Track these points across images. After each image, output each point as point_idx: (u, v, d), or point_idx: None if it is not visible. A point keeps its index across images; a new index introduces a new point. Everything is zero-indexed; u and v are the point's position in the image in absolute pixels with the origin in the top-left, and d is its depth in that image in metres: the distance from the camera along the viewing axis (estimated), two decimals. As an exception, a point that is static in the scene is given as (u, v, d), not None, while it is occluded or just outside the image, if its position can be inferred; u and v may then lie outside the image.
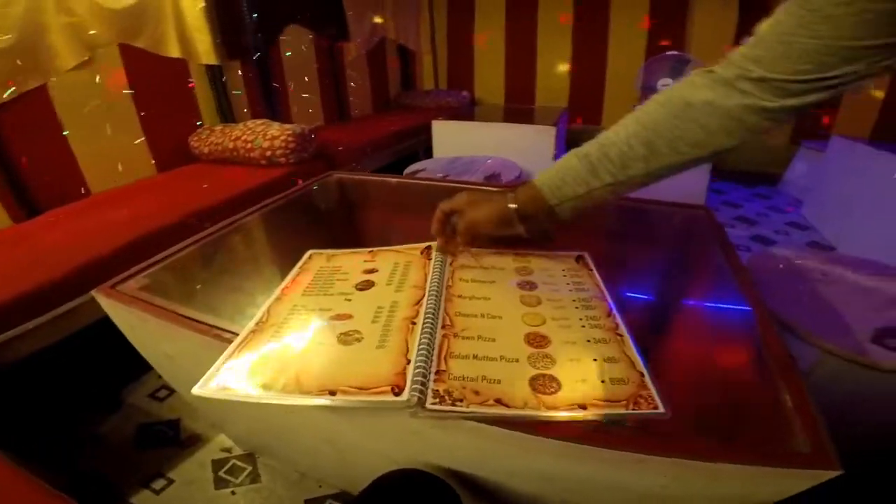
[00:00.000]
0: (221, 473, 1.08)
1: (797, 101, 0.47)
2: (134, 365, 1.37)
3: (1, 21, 1.47)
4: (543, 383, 0.48)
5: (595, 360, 0.51)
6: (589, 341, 0.55)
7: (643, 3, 3.31)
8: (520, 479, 0.52)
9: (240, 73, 2.33)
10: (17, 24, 1.51)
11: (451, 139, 2.44)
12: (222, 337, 0.60)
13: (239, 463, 1.11)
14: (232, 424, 1.04)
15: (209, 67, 2.17)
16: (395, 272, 0.71)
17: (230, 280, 0.85)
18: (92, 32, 1.71)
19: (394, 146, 2.79)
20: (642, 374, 0.49)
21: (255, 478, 1.07)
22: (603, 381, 0.48)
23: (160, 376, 1.37)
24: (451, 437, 0.49)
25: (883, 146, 2.25)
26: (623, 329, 0.57)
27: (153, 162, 1.99)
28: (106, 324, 1.17)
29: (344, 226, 1.15)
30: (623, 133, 0.56)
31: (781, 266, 1.26)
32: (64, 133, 1.69)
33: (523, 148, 2.26)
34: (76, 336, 1.18)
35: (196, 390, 0.49)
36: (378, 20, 3.40)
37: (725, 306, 0.72)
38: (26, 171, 1.61)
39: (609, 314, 0.60)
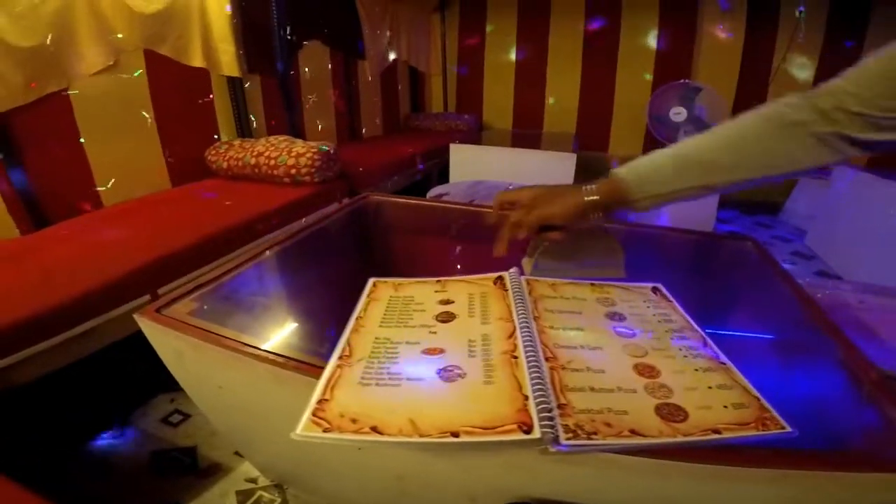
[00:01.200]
0: (247, 505, 1.02)
1: (885, 137, 0.50)
2: (143, 388, 1.33)
3: (29, 21, 1.44)
4: (670, 412, 0.47)
5: (710, 387, 0.51)
6: (697, 370, 0.54)
7: (652, 33, 3.41)
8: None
9: (259, 87, 2.31)
10: (45, 25, 1.47)
11: (469, 163, 2.44)
12: (300, 370, 0.56)
13: (266, 494, 1.05)
14: (262, 452, 0.98)
15: (230, 80, 2.15)
16: (474, 303, 0.68)
17: (281, 306, 0.81)
18: (119, 36, 1.68)
19: (410, 168, 2.79)
20: (758, 398, 0.49)
21: (284, 511, 1.01)
22: (726, 407, 0.48)
23: (173, 399, 1.33)
24: (569, 469, 0.48)
25: (885, 175, 2.32)
26: (723, 357, 0.57)
27: (168, 175, 1.94)
28: (114, 347, 1.13)
29: (385, 250, 1.12)
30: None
31: (819, 296, 1.26)
32: (80, 140, 1.64)
33: (542, 174, 2.26)
34: (83, 360, 1.12)
35: (298, 435, 0.44)
36: (391, 40, 3.44)
37: (800, 334, 0.73)
38: (39, 177, 1.55)
39: (705, 343, 0.60)
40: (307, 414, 0.47)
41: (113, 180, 1.74)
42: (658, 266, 1.03)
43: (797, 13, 2.99)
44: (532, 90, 3.85)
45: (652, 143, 3.30)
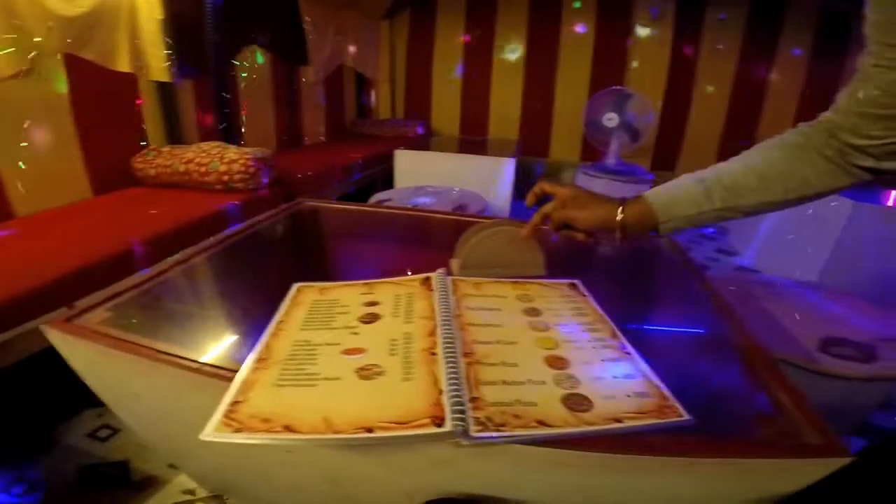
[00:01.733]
0: (185, 518, 0.99)
1: (886, 165, 0.53)
2: (68, 402, 1.24)
3: None
4: (576, 402, 0.49)
5: (615, 377, 0.54)
6: (603, 361, 0.57)
7: (588, 44, 3.58)
8: (554, 495, 0.52)
9: (192, 93, 2.23)
10: None
11: (413, 169, 2.46)
12: (208, 373, 0.55)
13: (205, 506, 1.01)
14: (196, 463, 0.94)
15: (160, 85, 2.05)
16: (399, 304, 0.69)
17: (203, 314, 0.78)
18: (37, 40, 1.57)
19: (353, 175, 2.76)
20: (658, 387, 0.52)
21: (224, 521, 0.98)
22: (629, 396, 0.50)
23: (100, 414, 1.25)
24: (487, 462, 0.49)
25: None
26: (630, 348, 0.60)
27: (89, 184, 1.82)
28: (34, 358, 1.05)
29: (319, 258, 1.10)
30: (739, 165, 0.61)
31: (732, 288, 1.38)
32: (-10, 146, 1.51)
33: (484, 178, 2.32)
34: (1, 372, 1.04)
35: (208, 436, 0.44)
36: (337, 46, 3.41)
37: (703, 324, 0.78)
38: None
39: (614, 335, 0.63)
40: (217, 415, 0.46)
41: (25, 189, 1.61)
42: (577, 264, 1.09)
43: (718, 19, 3.23)
44: (478, 98, 3.94)
45: (588, 148, 3.46)
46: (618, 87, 3.14)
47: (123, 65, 1.88)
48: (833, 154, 0.55)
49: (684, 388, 0.52)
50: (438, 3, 3.79)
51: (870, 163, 0.54)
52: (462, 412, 0.46)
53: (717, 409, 0.57)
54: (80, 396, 1.25)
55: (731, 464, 0.44)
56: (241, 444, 0.44)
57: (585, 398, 0.50)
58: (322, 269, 1.06)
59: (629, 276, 1.06)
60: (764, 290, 1.40)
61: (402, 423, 0.45)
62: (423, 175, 2.38)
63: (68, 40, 1.67)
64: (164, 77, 1.99)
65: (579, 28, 3.57)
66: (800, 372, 1.05)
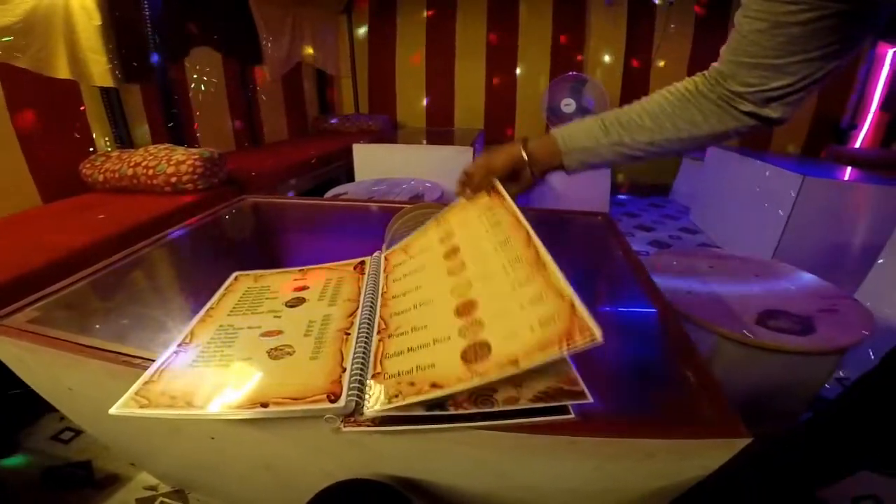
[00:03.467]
0: (151, 511, 1.00)
1: (749, 110, 0.57)
2: (29, 407, 1.23)
3: None
4: (475, 352, 0.47)
5: (522, 306, 0.49)
6: (513, 287, 0.52)
7: (547, 29, 3.61)
8: (467, 476, 0.54)
9: (140, 97, 2.19)
10: None
11: (374, 162, 2.46)
12: (132, 363, 0.57)
13: (168, 500, 1.03)
14: (154, 460, 0.96)
15: (104, 90, 2.02)
16: (328, 288, 0.70)
17: (137, 310, 0.79)
18: None
19: (313, 171, 2.76)
20: (572, 304, 0.45)
21: (187, 515, 0.99)
22: (532, 330, 0.45)
23: (62, 417, 1.25)
24: (390, 442, 0.49)
25: (750, 154, 2.62)
26: (545, 256, 0.53)
27: (37, 191, 1.79)
28: None
29: (262, 251, 1.11)
30: (636, 107, 0.66)
31: (675, 263, 1.42)
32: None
33: (444, 168, 2.34)
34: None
35: (114, 410, 0.46)
36: (295, 43, 3.37)
37: (631, 300, 0.79)
38: None
39: (528, 243, 0.57)
40: (129, 393, 0.48)
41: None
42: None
43: (666, 4, 3.30)
44: (442, 89, 3.94)
45: (551, 135, 3.49)
46: (574, 73, 3.19)
47: (62, 72, 1.84)
48: (716, 98, 0.60)
49: (600, 365, 0.53)
50: (397, -5, 3.77)
51: (750, 108, 0.58)
52: (360, 388, 0.47)
53: (628, 388, 0.59)
54: (40, 400, 1.26)
55: (625, 443, 0.44)
56: (172, 436, 0.45)
57: (485, 344, 0.47)
58: (264, 262, 1.07)
59: (565, 253, 1.09)
60: (709, 265, 1.42)
61: (297, 399, 0.46)
62: (382, 168, 2.39)
63: (3, 49, 1.64)
64: (106, 82, 1.96)
65: (536, 14, 3.59)
66: (738, 346, 1.04)
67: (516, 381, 0.46)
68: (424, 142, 2.81)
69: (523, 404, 0.45)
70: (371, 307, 0.63)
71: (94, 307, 0.78)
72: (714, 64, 0.62)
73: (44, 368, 0.68)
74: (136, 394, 0.49)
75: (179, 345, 0.58)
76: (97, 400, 0.68)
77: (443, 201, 2.01)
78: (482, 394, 0.46)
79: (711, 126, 0.61)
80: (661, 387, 0.57)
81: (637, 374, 0.63)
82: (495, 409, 0.45)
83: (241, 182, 2.02)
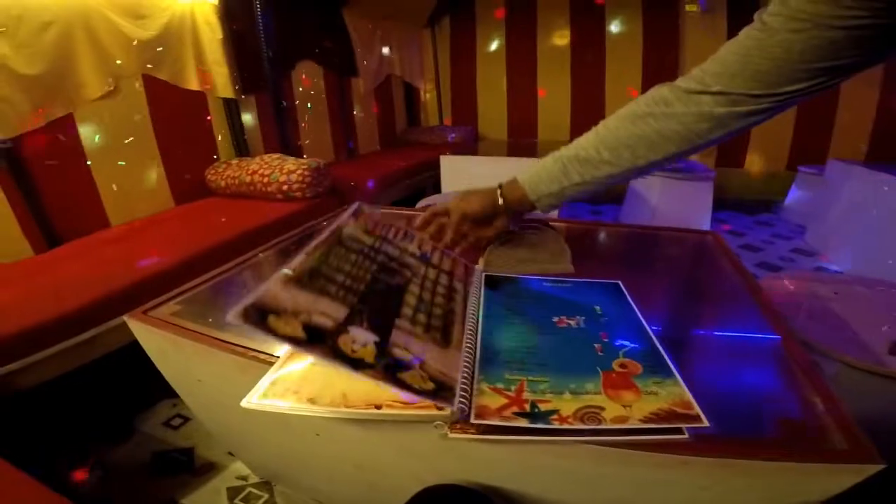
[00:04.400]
0: (237, 501, 1.08)
1: (743, 111, 0.54)
2: (147, 394, 1.40)
3: (32, 49, 1.53)
4: (591, 411, 0.47)
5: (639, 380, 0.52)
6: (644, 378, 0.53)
7: (638, 39, 3.47)
8: (561, 489, 0.53)
9: (255, 107, 2.41)
10: (48, 53, 1.56)
11: (459, 174, 2.50)
12: (259, 359, 0.61)
13: (255, 491, 1.10)
14: (250, 451, 1.03)
15: (226, 101, 2.24)
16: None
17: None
18: (118, 62, 1.77)
19: (403, 182, 2.87)
20: (684, 393, 0.49)
21: (271, 506, 1.06)
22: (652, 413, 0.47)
23: (175, 404, 1.40)
24: (490, 450, 0.49)
25: (878, 167, 2.31)
26: (664, 354, 0.56)
27: (171, 195, 2.04)
28: (120, 353, 1.21)
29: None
30: (592, 139, 0.65)
31: (793, 288, 1.29)
32: (87, 163, 1.74)
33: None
34: (91, 365, 1.20)
35: (245, 403, 0.50)
36: (384, 57, 3.53)
37: (748, 325, 0.73)
38: (50, 200, 1.65)
39: (649, 339, 0.60)
40: (256, 388, 0.52)
41: (119, 201, 1.84)
42: (620, 262, 1.08)
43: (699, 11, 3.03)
44: (524, 101, 3.92)
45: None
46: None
47: (193, 83, 2.07)
48: (689, 112, 0.57)
49: (713, 389, 0.51)
50: (477, 8, 3.82)
51: (730, 108, 0.55)
52: (468, 396, 0.48)
53: (744, 412, 0.55)
54: (158, 388, 1.42)
55: (742, 465, 0.43)
56: (280, 430, 0.48)
57: (597, 413, 0.47)
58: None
59: (671, 273, 1.03)
60: (834, 291, 1.29)
61: (408, 404, 0.48)
62: (468, 179, 2.39)
63: (145, 63, 1.87)
64: (228, 93, 2.17)
65: (625, 25, 3.46)
66: (866, 376, 0.96)
67: (627, 400, 0.47)
68: (506, 154, 2.81)
69: (633, 424, 0.45)
70: (475, 317, 0.63)
71: (224, 304, 0.86)
72: (695, 71, 0.58)
73: (181, 359, 0.76)
74: (267, 389, 0.52)
75: (303, 260, 0.55)
76: (223, 391, 0.75)
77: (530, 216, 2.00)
78: (589, 411, 0.47)
79: (667, 149, 0.59)
80: (784, 412, 0.54)
81: (756, 399, 0.58)
82: (602, 426, 0.45)
83: (342, 191, 2.15)
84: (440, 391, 0.47)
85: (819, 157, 3.09)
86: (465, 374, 0.51)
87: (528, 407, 0.47)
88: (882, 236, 2.13)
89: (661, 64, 3.43)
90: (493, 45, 3.88)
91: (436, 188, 2.77)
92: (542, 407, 0.47)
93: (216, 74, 2.14)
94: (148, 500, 1.10)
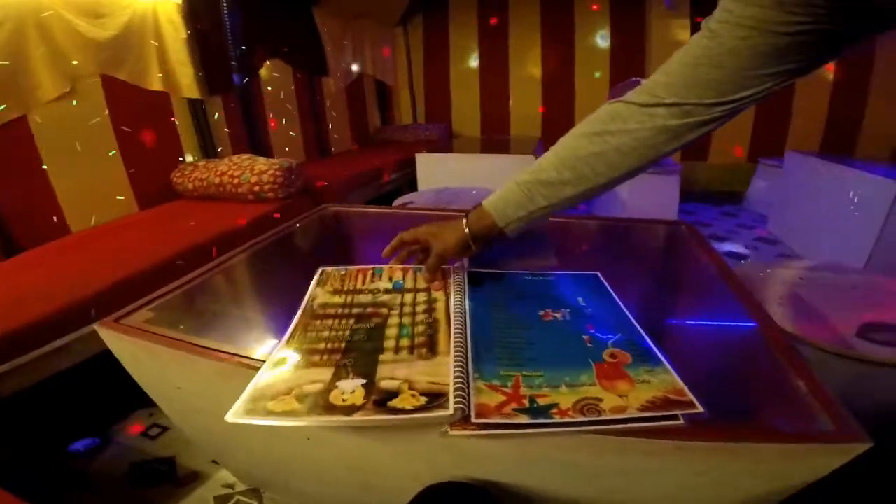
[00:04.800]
0: (225, 511, 1.05)
1: (697, 120, 0.55)
2: (122, 404, 1.34)
3: None
4: (589, 402, 0.48)
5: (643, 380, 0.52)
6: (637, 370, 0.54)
7: (604, 35, 3.54)
8: (559, 480, 0.53)
9: (221, 108, 2.34)
10: (0, 52, 1.49)
11: (435, 171, 2.50)
12: (244, 364, 0.59)
13: (243, 499, 1.08)
14: (235, 458, 1.00)
15: (191, 102, 2.18)
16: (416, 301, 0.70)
17: (236, 312, 0.84)
18: (74, 63, 1.69)
19: (377, 180, 2.84)
20: (675, 380, 0.50)
21: (260, 514, 1.03)
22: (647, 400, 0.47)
23: (151, 414, 1.35)
24: (489, 445, 0.49)
25: (833, 158, 2.44)
26: (649, 342, 0.58)
27: (135, 199, 1.96)
28: (90, 363, 1.15)
29: (345, 257, 1.16)
30: (553, 159, 0.64)
31: (762, 274, 1.33)
32: (43, 167, 1.65)
33: (505, 177, 2.32)
34: (59, 376, 1.14)
35: (230, 417, 0.47)
36: (355, 55, 3.50)
37: (726, 313, 0.75)
38: (5, 206, 1.56)
39: (634, 328, 0.61)
40: (241, 400, 0.50)
41: (79, 206, 1.75)
42: (596, 254, 1.09)
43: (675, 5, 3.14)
44: (497, 97, 3.95)
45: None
46: (637, 79, 3.08)
47: (155, 84, 2.00)
48: (641, 126, 0.57)
49: (698, 376, 0.51)
50: (450, 6, 3.83)
51: (684, 119, 0.55)
52: (464, 397, 0.47)
53: (729, 397, 0.56)
54: (133, 397, 1.36)
55: (736, 448, 0.43)
56: (267, 436, 0.47)
57: (595, 404, 0.47)
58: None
59: (648, 264, 1.06)
60: (800, 277, 1.34)
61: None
62: (444, 177, 2.42)
63: (103, 63, 1.80)
64: (193, 94, 2.11)
65: (594, 21, 3.53)
66: (836, 360, 0.98)
67: (622, 390, 0.49)
68: (480, 150, 2.82)
69: (631, 413, 0.45)
70: (461, 315, 0.63)
71: (198, 310, 0.83)
72: (646, 83, 0.58)
73: (157, 367, 0.72)
74: (252, 400, 0.50)
75: (286, 343, 0.60)
76: (204, 398, 0.73)
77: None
78: (588, 403, 0.47)
79: (627, 165, 0.60)
80: (769, 397, 0.55)
81: (740, 385, 0.60)
82: (603, 417, 0.45)
83: (315, 191, 2.12)
84: (433, 401, 0.47)
85: (778, 148, 3.23)
86: (459, 375, 0.51)
87: (526, 402, 0.47)
88: (837, 224, 2.23)
89: (628, 59, 3.51)
90: (465, 43, 3.89)
91: (411, 186, 2.76)
92: (541, 402, 0.47)
93: (180, 75, 2.07)
94: (129, 513, 1.05)
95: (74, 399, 1.33)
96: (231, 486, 1.10)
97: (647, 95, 0.57)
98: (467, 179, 2.34)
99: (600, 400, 0.47)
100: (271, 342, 0.64)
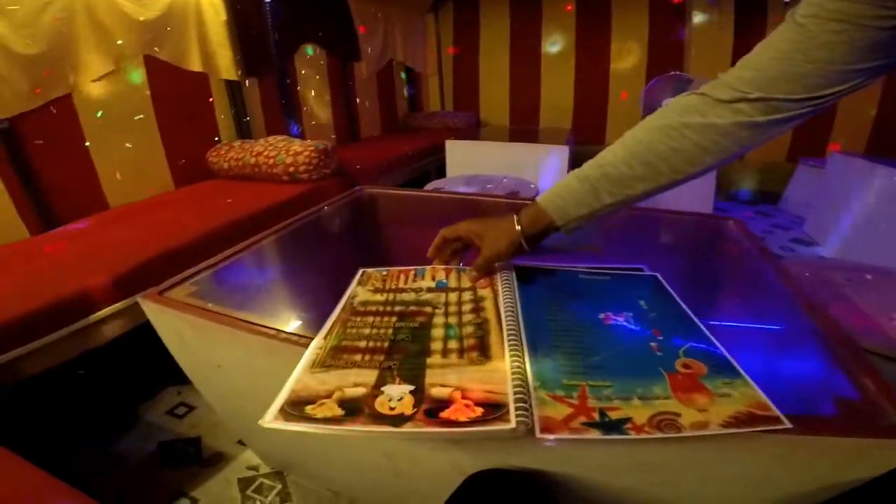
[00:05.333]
0: (249, 492, 1.05)
1: (785, 116, 0.52)
2: (150, 381, 1.37)
3: (31, 29, 1.48)
4: (666, 420, 0.45)
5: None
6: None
7: (643, 26, 3.43)
8: (614, 471, 0.52)
9: (257, 89, 2.35)
10: (46, 33, 1.52)
11: (465, 158, 2.47)
12: (291, 341, 0.59)
13: (267, 481, 1.08)
14: (260, 441, 1.01)
15: (228, 83, 2.19)
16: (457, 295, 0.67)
17: (276, 289, 0.85)
18: (119, 42, 1.72)
19: (407, 166, 2.83)
20: (756, 393, 0.47)
21: (284, 497, 1.04)
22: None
23: (179, 392, 1.37)
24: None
25: (880, 160, 2.33)
26: (721, 349, 0.54)
27: (171, 177, 1.99)
28: (120, 340, 1.17)
29: (382, 240, 1.16)
30: (621, 154, 0.59)
31: (808, 274, 1.28)
32: (86, 144, 1.69)
33: (536, 167, 2.29)
34: (89, 353, 1.15)
35: (266, 422, 0.44)
36: (387, 41, 3.48)
37: (780, 311, 0.73)
38: (46, 181, 1.60)
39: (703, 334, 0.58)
40: (278, 401, 0.47)
41: (117, 183, 1.79)
42: (640, 246, 1.06)
43: (784, 1, 3.01)
44: (527, 87, 3.88)
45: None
46: (677, 73, 2.99)
47: (195, 64, 2.02)
48: (725, 121, 0.53)
49: (766, 379, 0.49)
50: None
51: (773, 115, 0.52)
52: (526, 409, 0.44)
53: (794, 397, 0.53)
54: (161, 375, 1.38)
55: (810, 442, 0.42)
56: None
57: (674, 419, 0.44)
58: (384, 252, 1.11)
59: (697, 259, 1.02)
60: (844, 278, 1.28)
61: None
62: (474, 164, 2.39)
63: (147, 43, 1.83)
64: (231, 75, 2.13)
65: (631, 11, 3.42)
66: (887, 363, 0.95)
67: (701, 404, 0.45)
68: (508, 139, 2.78)
69: (714, 429, 0.42)
70: (514, 319, 0.58)
71: (240, 286, 0.84)
72: (722, 77, 0.55)
73: (199, 342, 0.72)
74: (290, 403, 0.46)
75: (324, 338, 0.57)
76: (244, 376, 0.72)
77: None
78: (665, 418, 0.44)
79: (707, 161, 0.56)
80: (836, 394, 0.53)
81: (808, 383, 0.59)
82: (683, 434, 0.42)
83: (348, 174, 2.12)
84: (491, 413, 0.44)
85: (819, 149, 3.10)
86: (519, 385, 0.47)
87: (596, 416, 0.44)
88: (880, 227, 2.15)
89: (666, 52, 3.40)
90: (496, 31, 3.82)
91: (439, 173, 2.74)
92: (612, 415, 0.44)
93: (219, 56, 2.09)
94: (156, 493, 1.07)
95: (103, 377, 1.34)
96: (255, 469, 1.11)
97: (728, 90, 0.54)
98: (497, 167, 2.31)
99: (678, 415, 0.44)
100: (313, 322, 0.63)
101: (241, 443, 1.16)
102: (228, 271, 0.85)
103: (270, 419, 0.45)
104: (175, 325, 0.73)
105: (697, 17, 3.28)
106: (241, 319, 0.65)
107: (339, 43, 3.02)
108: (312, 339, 0.58)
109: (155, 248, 1.29)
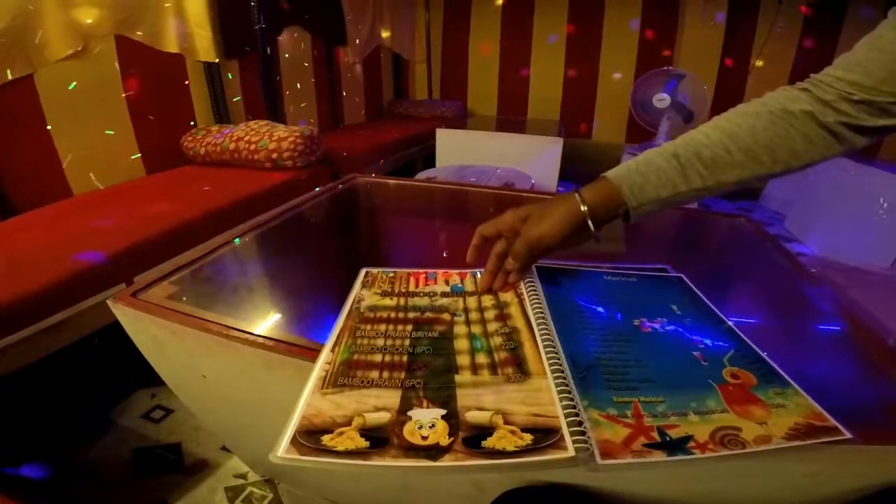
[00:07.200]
0: (238, 502, 0.98)
1: (893, 121, 0.48)
2: (123, 383, 1.27)
3: None
4: (728, 436, 0.41)
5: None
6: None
7: (634, 21, 3.41)
8: (660, 484, 0.48)
9: (237, 73, 2.24)
10: (8, 9, 1.39)
11: (455, 148, 2.40)
12: (283, 350, 0.52)
13: (257, 490, 1.01)
14: (253, 447, 0.93)
15: (207, 66, 2.07)
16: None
17: (266, 288, 0.76)
18: (88, 21, 1.60)
19: (394, 154, 2.74)
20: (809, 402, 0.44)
21: (276, 507, 0.97)
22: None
23: (153, 395, 1.27)
24: None
25: (860, 159, 2.38)
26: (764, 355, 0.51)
27: (142, 163, 1.86)
28: (87, 340, 1.06)
29: (375, 230, 1.08)
30: (716, 136, 0.53)
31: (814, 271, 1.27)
32: (47, 127, 1.55)
33: (529, 159, 2.24)
34: (55, 354, 1.04)
35: (277, 457, 0.38)
36: (375, 27, 3.36)
37: (808, 312, 0.71)
38: (4, 166, 1.46)
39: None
40: (290, 427, 0.41)
41: (82, 168, 1.65)
42: (653, 245, 1.01)
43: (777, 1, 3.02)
44: (516, 78, 3.82)
45: (635, 129, 3.31)
46: (668, 68, 2.98)
47: (171, 45, 1.89)
48: (829, 119, 0.50)
49: (807, 383, 0.46)
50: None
51: (879, 120, 0.49)
52: (583, 433, 0.39)
53: (841, 399, 0.50)
54: (131, 377, 1.29)
55: (859, 450, 0.40)
56: None
57: (735, 434, 0.41)
58: (381, 245, 1.03)
59: (711, 259, 0.98)
60: (845, 278, 1.28)
61: None
62: (464, 154, 2.33)
63: (117, 22, 1.70)
64: (210, 57, 2.00)
65: (625, 7, 3.39)
66: None
67: (759, 417, 0.42)
68: (497, 130, 2.73)
69: (778, 443, 0.39)
70: (548, 333, 0.52)
71: (221, 285, 0.75)
72: (822, 76, 0.51)
73: (179, 351, 0.64)
74: (304, 433, 0.40)
75: (331, 351, 0.50)
76: (236, 389, 0.64)
77: (534, 191, 1.94)
78: (727, 434, 0.40)
79: (811, 155, 0.52)
80: (881, 398, 0.52)
81: (846, 386, 0.56)
82: (749, 450, 0.39)
83: (334, 161, 2.02)
84: (543, 439, 0.38)
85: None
86: (569, 404, 0.41)
87: (656, 436, 0.40)
88: (860, 224, 2.19)
89: (657, 48, 3.38)
90: (488, 21, 3.74)
91: (427, 162, 2.66)
92: (673, 434, 0.40)
93: (198, 37, 1.96)
94: (135, 502, 0.99)
95: (72, 380, 1.25)
96: (243, 476, 1.03)
97: (830, 91, 0.50)
98: (488, 158, 2.25)
99: (739, 429, 0.40)
100: (313, 327, 0.57)
101: (225, 449, 1.09)
102: (213, 268, 0.76)
103: (283, 452, 0.38)
104: (152, 332, 0.64)
105: (690, 12, 3.27)
106: (232, 327, 0.57)
107: (326, 26, 2.90)
108: (315, 348, 0.50)
109: (123, 240, 1.17)
